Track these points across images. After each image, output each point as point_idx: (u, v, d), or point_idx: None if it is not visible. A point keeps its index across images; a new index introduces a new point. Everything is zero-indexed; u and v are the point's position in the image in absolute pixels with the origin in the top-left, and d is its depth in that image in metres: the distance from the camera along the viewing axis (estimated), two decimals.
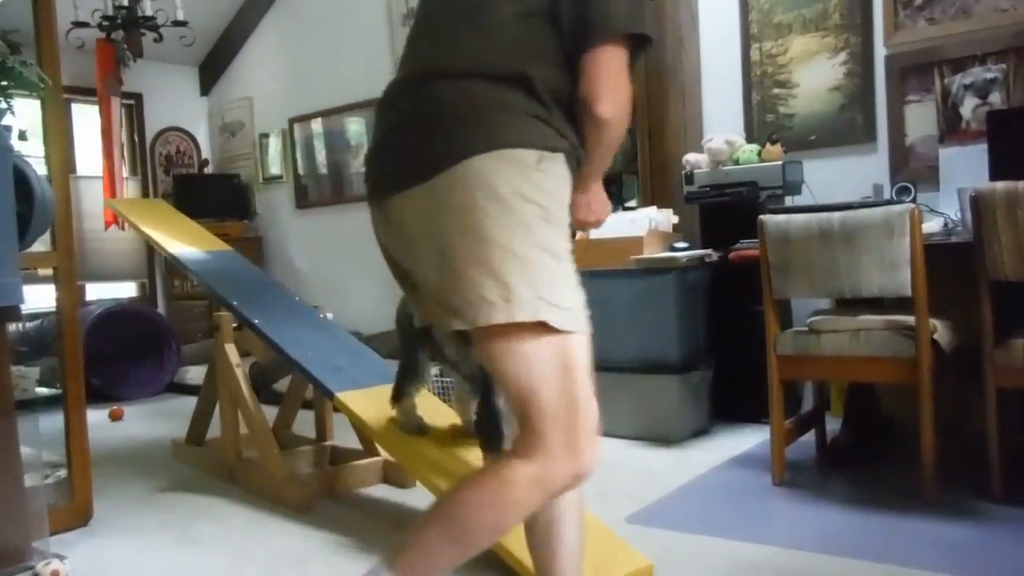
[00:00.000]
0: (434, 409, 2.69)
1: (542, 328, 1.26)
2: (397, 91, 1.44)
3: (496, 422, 1.96)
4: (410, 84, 1.41)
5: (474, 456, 2.39)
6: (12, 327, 2.33)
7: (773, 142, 3.57)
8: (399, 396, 2.53)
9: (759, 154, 3.57)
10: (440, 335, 2.16)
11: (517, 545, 2.03)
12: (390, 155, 1.40)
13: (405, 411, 2.53)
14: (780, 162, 3.50)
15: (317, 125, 6.20)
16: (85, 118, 6.23)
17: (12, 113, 2.16)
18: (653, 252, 3.47)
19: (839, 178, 3.62)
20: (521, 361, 1.27)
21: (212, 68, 6.97)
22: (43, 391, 4.11)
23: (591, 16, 1.31)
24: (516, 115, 1.30)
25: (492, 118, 1.29)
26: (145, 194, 6.61)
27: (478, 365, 1.97)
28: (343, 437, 3.31)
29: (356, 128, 5.94)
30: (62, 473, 2.68)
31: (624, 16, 1.31)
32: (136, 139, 6.70)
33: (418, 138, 1.34)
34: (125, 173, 6.23)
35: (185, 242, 3.57)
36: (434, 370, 4.20)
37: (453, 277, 1.29)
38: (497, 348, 1.29)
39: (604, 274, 3.47)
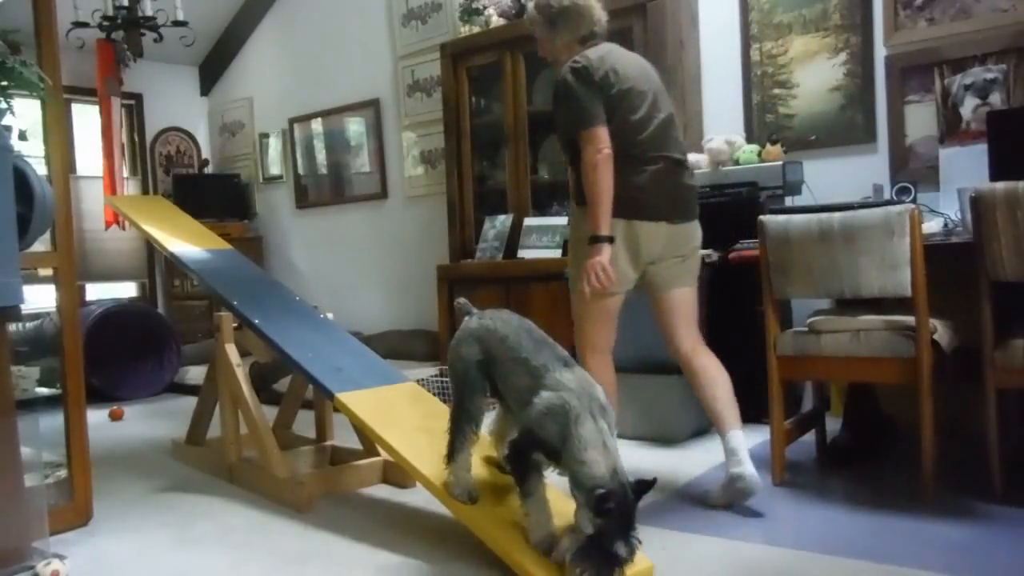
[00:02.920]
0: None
1: None
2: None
3: (529, 464, 1.98)
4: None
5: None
6: (12, 327, 2.33)
7: (773, 142, 3.57)
8: (453, 455, 2.23)
9: (759, 154, 3.57)
10: (514, 385, 2.11)
11: (517, 546, 2.03)
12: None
13: (458, 474, 2.22)
14: (780, 162, 3.50)
15: (317, 125, 6.21)
16: (85, 118, 6.23)
17: (12, 113, 2.16)
18: None
19: (839, 178, 3.62)
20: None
21: (212, 68, 6.98)
22: (43, 391, 4.12)
23: None
24: None
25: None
26: (145, 194, 6.61)
27: (528, 421, 1.98)
28: (343, 437, 3.31)
29: (356, 128, 5.94)
30: (62, 473, 2.67)
31: None
32: (136, 139, 6.71)
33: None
34: (125, 173, 6.23)
35: (185, 240, 3.57)
36: (433, 370, 4.22)
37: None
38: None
39: None
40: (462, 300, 2.44)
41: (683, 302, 2.70)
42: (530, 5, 2.79)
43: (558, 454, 1.90)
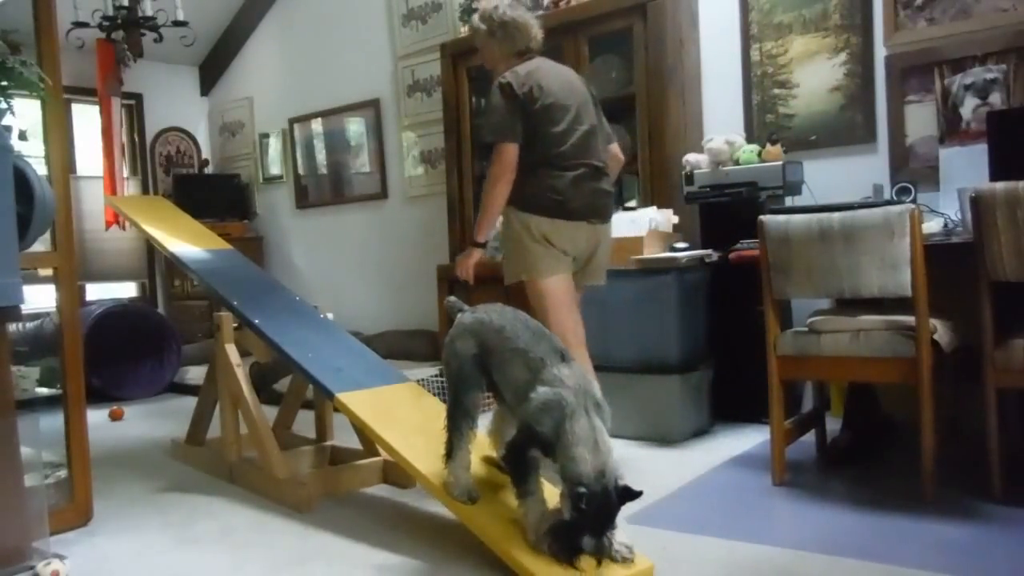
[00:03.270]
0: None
1: None
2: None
3: (527, 463, 2.00)
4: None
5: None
6: (12, 327, 2.33)
7: (773, 142, 3.57)
8: (451, 453, 2.22)
9: (759, 154, 3.57)
10: (510, 377, 2.11)
11: (517, 545, 2.04)
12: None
13: (458, 474, 2.21)
14: (780, 162, 3.50)
15: (317, 125, 6.21)
16: (85, 118, 6.23)
17: (12, 113, 2.16)
18: (653, 252, 3.47)
19: (839, 178, 3.62)
20: None
21: (212, 68, 6.97)
22: (43, 391, 4.11)
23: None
24: None
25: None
26: (145, 194, 6.61)
27: (525, 416, 1.99)
28: (343, 437, 3.31)
29: (356, 128, 5.94)
30: (62, 473, 2.67)
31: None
32: (136, 139, 6.71)
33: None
34: (125, 173, 6.23)
35: (185, 240, 3.57)
36: (433, 370, 4.22)
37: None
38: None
39: None
40: (452, 298, 2.47)
41: (578, 299, 2.96)
42: (475, 16, 3.01)
43: (553, 448, 1.92)
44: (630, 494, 1.89)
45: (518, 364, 2.08)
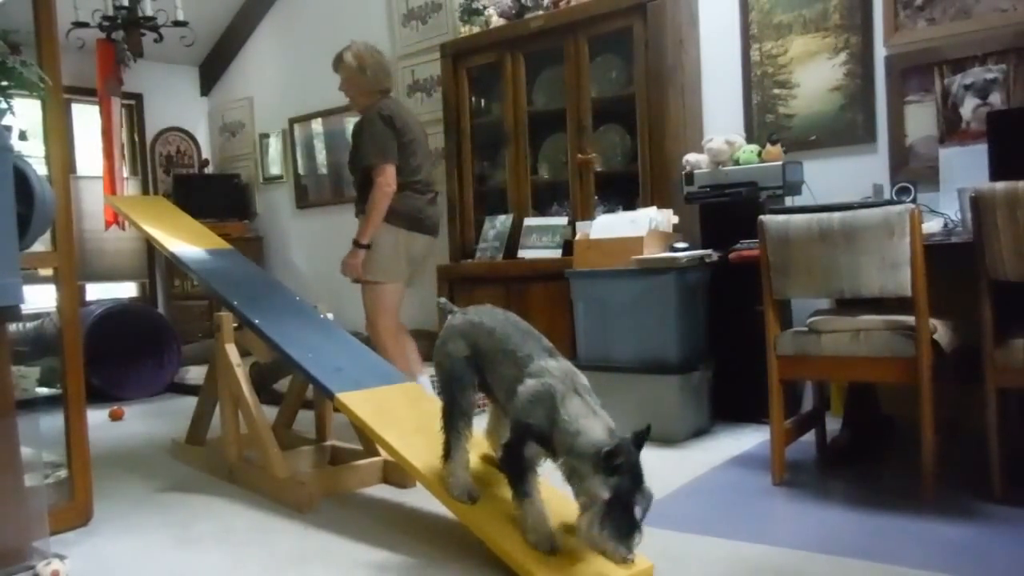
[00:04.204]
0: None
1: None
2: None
3: (524, 463, 1.99)
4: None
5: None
6: (12, 327, 2.33)
7: (773, 142, 3.57)
8: (449, 453, 2.24)
9: (759, 154, 3.57)
10: (502, 376, 2.11)
11: (517, 546, 2.04)
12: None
13: (457, 474, 2.22)
14: (780, 162, 3.50)
15: (317, 125, 6.21)
16: (85, 118, 6.23)
17: (12, 113, 2.16)
18: (653, 252, 3.47)
19: (839, 178, 3.62)
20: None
21: (212, 68, 6.98)
22: (43, 391, 4.12)
23: None
24: None
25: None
26: (145, 194, 6.61)
27: (515, 412, 2.00)
28: (343, 437, 3.31)
29: None
30: (62, 473, 2.67)
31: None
32: (136, 139, 6.71)
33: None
34: (125, 173, 6.23)
35: (185, 240, 3.57)
36: (433, 370, 4.22)
37: None
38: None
39: (604, 274, 3.47)
40: (443, 300, 2.55)
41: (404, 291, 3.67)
42: (347, 53, 3.68)
43: (550, 438, 1.91)
44: (642, 435, 1.84)
45: (509, 364, 2.09)
